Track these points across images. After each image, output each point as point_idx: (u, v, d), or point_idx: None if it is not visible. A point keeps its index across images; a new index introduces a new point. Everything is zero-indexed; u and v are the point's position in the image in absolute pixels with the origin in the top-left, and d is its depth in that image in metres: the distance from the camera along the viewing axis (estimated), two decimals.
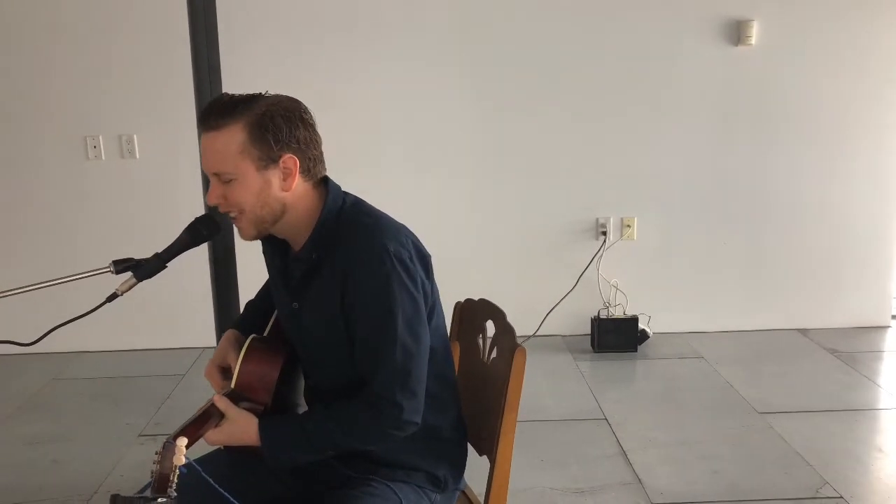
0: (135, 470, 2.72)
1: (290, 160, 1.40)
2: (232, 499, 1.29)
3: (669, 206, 3.95)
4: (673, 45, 3.78)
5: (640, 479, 2.62)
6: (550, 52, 3.77)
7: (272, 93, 1.45)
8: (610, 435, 2.95)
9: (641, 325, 3.87)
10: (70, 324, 1.46)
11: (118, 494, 1.11)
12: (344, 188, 1.53)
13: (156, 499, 1.13)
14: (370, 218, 1.48)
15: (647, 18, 3.76)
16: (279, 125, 1.38)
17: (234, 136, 1.37)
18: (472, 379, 1.79)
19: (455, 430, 1.63)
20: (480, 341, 1.78)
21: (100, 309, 1.39)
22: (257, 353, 1.49)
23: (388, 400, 1.40)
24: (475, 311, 1.82)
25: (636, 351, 3.81)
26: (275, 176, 1.40)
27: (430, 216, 3.84)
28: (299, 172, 1.42)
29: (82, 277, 1.39)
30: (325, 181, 1.51)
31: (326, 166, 1.50)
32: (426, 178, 3.85)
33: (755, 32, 3.74)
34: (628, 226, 3.95)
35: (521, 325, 3.72)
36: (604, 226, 3.93)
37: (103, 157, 3.75)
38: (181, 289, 3.55)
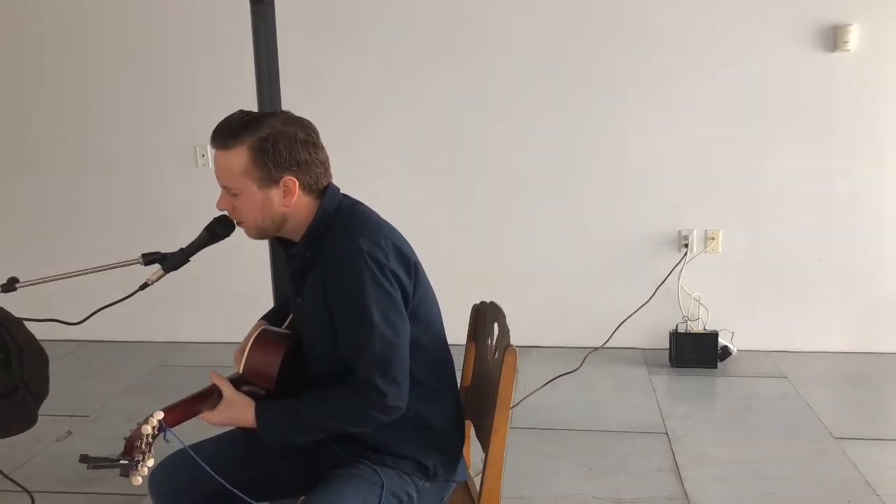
0: None
1: (290, 181, 1.53)
2: (216, 475, 1.46)
3: (758, 218, 3.80)
4: (765, 50, 3.65)
5: (687, 495, 2.57)
6: (635, 55, 3.73)
7: (288, 110, 1.60)
8: (667, 449, 2.90)
9: (724, 342, 3.74)
10: (125, 309, 1.70)
11: (87, 455, 1.30)
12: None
13: (118, 461, 1.31)
14: (354, 219, 1.59)
15: (738, 23, 3.65)
16: (280, 151, 1.51)
17: (238, 158, 1.51)
18: (481, 378, 1.87)
19: (451, 423, 1.71)
20: (490, 342, 1.85)
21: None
22: (264, 343, 1.65)
23: (371, 386, 1.50)
24: (486, 314, 1.89)
25: (716, 367, 3.69)
26: (276, 194, 1.54)
27: (505, 218, 3.92)
28: (300, 189, 1.55)
29: (114, 267, 1.59)
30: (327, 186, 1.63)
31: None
32: (505, 180, 3.89)
33: (853, 38, 3.54)
34: (713, 238, 3.84)
35: (593, 336, 3.80)
36: (686, 238, 3.84)
37: (210, 165, 4.09)
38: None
